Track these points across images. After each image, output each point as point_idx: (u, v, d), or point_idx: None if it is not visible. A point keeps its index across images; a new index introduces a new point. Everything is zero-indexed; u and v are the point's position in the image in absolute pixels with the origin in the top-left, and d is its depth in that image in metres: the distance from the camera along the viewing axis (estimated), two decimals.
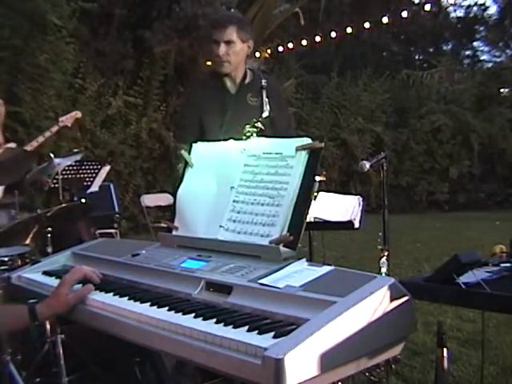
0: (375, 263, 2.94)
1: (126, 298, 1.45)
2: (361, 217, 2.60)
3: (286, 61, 12.43)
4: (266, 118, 2.22)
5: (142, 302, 1.40)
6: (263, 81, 2.38)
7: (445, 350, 1.71)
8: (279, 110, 2.61)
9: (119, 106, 9.36)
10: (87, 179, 4.71)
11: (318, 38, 10.67)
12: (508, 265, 1.84)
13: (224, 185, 1.68)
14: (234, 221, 1.60)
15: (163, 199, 5.45)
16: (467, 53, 18.99)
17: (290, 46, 11.30)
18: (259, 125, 2.06)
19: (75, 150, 5.04)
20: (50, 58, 8.06)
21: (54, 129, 4.21)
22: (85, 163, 4.71)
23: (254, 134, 1.95)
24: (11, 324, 1.50)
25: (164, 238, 1.79)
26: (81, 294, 1.49)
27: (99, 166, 4.79)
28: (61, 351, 2.46)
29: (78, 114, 4.42)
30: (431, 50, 18.52)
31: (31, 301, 1.52)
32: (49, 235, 2.66)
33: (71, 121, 4.32)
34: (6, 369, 1.64)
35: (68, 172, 4.41)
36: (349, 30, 10.59)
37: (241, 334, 1.13)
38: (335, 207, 2.62)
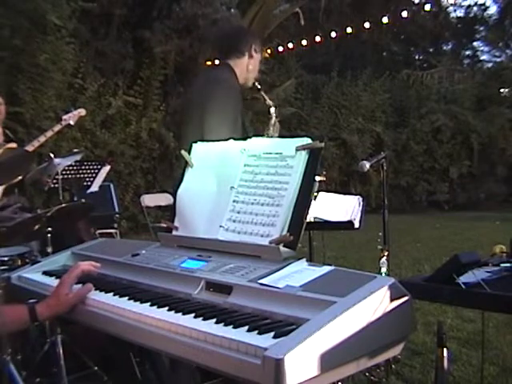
0: (375, 263, 2.94)
1: (126, 298, 1.45)
2: (361, 217, 2.60)
3: (285, 61, 12.43)
4: None
5: (141, 302, 1.40)
6: None
7: (445, 349, 1.71)
8: None
9: (119, 106, 9.36)
10: (87, 179, 4.70)
11: (318, 38, 10.68)
12: (508, 265, 1.84)
13: (224, 185, 1.68)
14: (234, 221, 1.60)
15: (163, 199, 5.45)
16: (467, 53, 19.02)
17: (290, 46, 11.31)
18: None
19: (75, 150, 5.02)
20: (50, 58, 8.06)
21: (57, 128, 4.06)
22: (85, 163, 4.70)
23: None
24: (11, 324, 1.50)
25: (164, 237, 1.79)
26: (80, 293, 1.49)
27: (99, 166, 4.78)
28: (61, 351, 2.46)
29: (82, 111, 4.23)
30: (431, 50, 18.53)
31: (31, 301, 1.52)
32: (49, 235, 2.66)
33: (75, 119, 4.17)
34: (6, 369, 1.63)
35: (68, 172, 4.40)
36: (349, 29, 10.60)
37: (241, 334, 1.13)
38: (335, 207, 2.62)
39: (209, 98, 2.57)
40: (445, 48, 18.79)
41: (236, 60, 2.73)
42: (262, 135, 2.60)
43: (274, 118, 2.69)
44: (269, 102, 2.73)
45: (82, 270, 1.56)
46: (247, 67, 2.75)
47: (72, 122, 4.15)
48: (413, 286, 1.60)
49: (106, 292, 1.51)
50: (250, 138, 1.71)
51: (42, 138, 3.95)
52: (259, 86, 2.81)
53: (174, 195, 1.81)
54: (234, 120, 2.50)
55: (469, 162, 13.50)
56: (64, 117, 4.14)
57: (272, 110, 2.68)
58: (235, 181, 1.65)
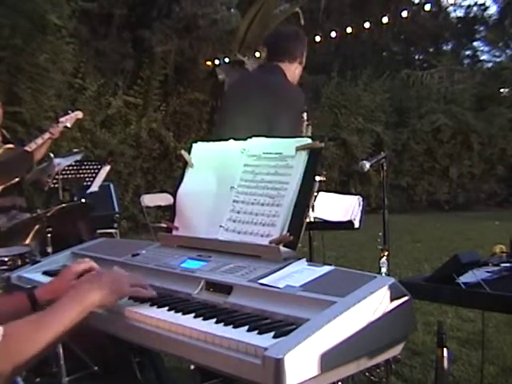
0: (375, 263, 2.94)
1: (126, 297, 1.45)
2: (361, 217, 2.60)
3: None
4: None
5: (141, 302, 1.39)
6: None
7: (445, 349, 1.71)
8: None
9: (119, 106, 9.36)
10: (87, 179, 4.71)
11: (318, 38, 10.66)
12: (508, 265, 1.84)
13: (224, 185, 1.68)
14: (234, 221, 1.60)
15: (163, 199, 5.46)
16: (467, 53, 19.02)
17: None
18: None
19: (75, 150, 5.03)
20: (50, 58, 8.06)
21: (55, 130, 4.03)
22: (85, 163, 4.71)
23: None
24: (11, 313, 1.47)
25: (164, 238, 1.79)
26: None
27: (99, 166, 4.79)
28: (61, 351, 2.46)
29: (79, 114, 4.21)
30: (431, 50, 18.54)
31: (29, 286, 1.52)
32: (49, 235, 2.66)
33: (72, 121, 4.15)
34: None
35: (68, 172, 4.40)
36: (349, 29, 10.59)
37: (241, 334, 1.12)
38: (335, 207, 2.62)
39: (283, 109, 2.57)
40: (445, 48, 18.79)
41: (287, 64, 2.73)
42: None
43: (305, 122, 2.70)
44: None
45: (91, 267, 1.52)
46: (295, 73, 2.77)
47: (69, 125, 4.13)
48: (413, 285, 1.59)
49: None
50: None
51: (40, 140, 3.93)
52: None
53: (174, 195, 1.81)
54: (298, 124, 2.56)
55: (469, 162, 13.50)
56: (61, 119, 4.12)
57: (304, 114, 2.69)
58: (235, 181, 1.65)
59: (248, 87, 2.79)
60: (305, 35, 2.93)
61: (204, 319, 1.23)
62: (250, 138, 1.72)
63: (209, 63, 10.51)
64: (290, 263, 1.41)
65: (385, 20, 10.58)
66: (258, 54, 10.31)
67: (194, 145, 1.85)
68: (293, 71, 2.76)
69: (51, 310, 1.22)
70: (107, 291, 1.28)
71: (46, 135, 3.98)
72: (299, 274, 1.33)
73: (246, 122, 2.54)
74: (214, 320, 1.21)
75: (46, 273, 1.81)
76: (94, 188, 4.77)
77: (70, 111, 4.26)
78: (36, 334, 1.14)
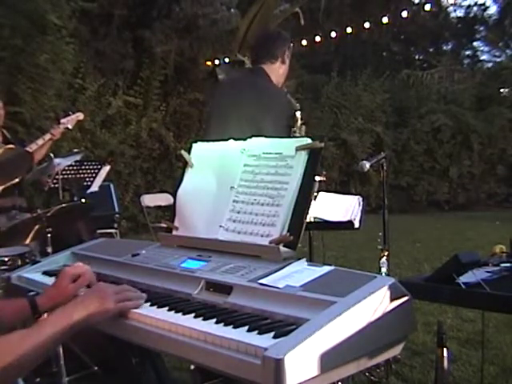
0: (375, 263, 2.95)
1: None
2: (361, 217, 2.59)
3: None
4: None
5: None
6: None
7: (445, 350, 1.71)
8: None
9: (119, 106, 9.36)
10: (87, 179, 4.71)
11: (318, 38, 10.67)
12: (508, 265, 1.84)
13: (224, 185, 1.68)
14: (234, 221, 1.60)
15: (163, 199, 5.46)
16: (467, 53, 19.05)
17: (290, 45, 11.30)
18: None
19: (75, 150, 5.04)
20: (50, 58, 8.06)
21: (56, 131, 4.01)
22: (85, 163, 4.71)
23: None
24: (12, 317, 1.49)
25: (164, 238, 1.79)
26: (80, 283, 1.50)
27: (99, 166, 4.79)
28: (61, 351, 2.46)
29: (80, 115, 4.20)
30: (431, 50, 18.56)
31: (31, 293, 1.53)
32: (49, 235, 2.66)
33: (73, 123, 4.14)
34: None
35: (68, 172, 4.41)
36: (349, 29, 10.59)
37: (241, 334, 1.12)
38: (335, 207, 2.62)
39: (266, 111, 2.57)
40: (445, 48, 18.83)
41: (269, 65, 2.74)
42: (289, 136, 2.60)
43: (299, 121, 2.68)
44: (296, 105, 2.75)
45: (83, 273, 1.55)
46: (279, 72, 2.77)
47: (70, 126, 4.13)
48: (413, 285, 1.59)
49: None
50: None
51: (40, 141, 3.93)
52: (285, 90, 2.87)
53: (174, 195, 1.81)
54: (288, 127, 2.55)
55: (469, 162, 13.51)
56: (62, 120, 4.12)
57: (298, 113, 2.67)
58: (235, 181, 1.65)
59: (236, 89, 2.81)
60: (286, 34, 2.93)
61: (204, 319, 1.23)
62: (244, 139, 1.72)
63: (209, 63, 10.51)
64: (290, 263, 1.41)
65: (385, 20, 10.59)
66: None
67: (194, 145, 1.85)
68: (276, 71, 2.77)
69: (39, 324, 1.27)
70: (93, 311, 1.29)
71: (47, 136, 3.98)
72: (299, 274, 1.33)
73: (236, 123, 2.56)
74: (214, 320, 1.21)
75: (46, 273, 1.81)
76: (94, 188, 4.77)
77: (70, 112, 4.25)
78: (21, 342, 1.18)
